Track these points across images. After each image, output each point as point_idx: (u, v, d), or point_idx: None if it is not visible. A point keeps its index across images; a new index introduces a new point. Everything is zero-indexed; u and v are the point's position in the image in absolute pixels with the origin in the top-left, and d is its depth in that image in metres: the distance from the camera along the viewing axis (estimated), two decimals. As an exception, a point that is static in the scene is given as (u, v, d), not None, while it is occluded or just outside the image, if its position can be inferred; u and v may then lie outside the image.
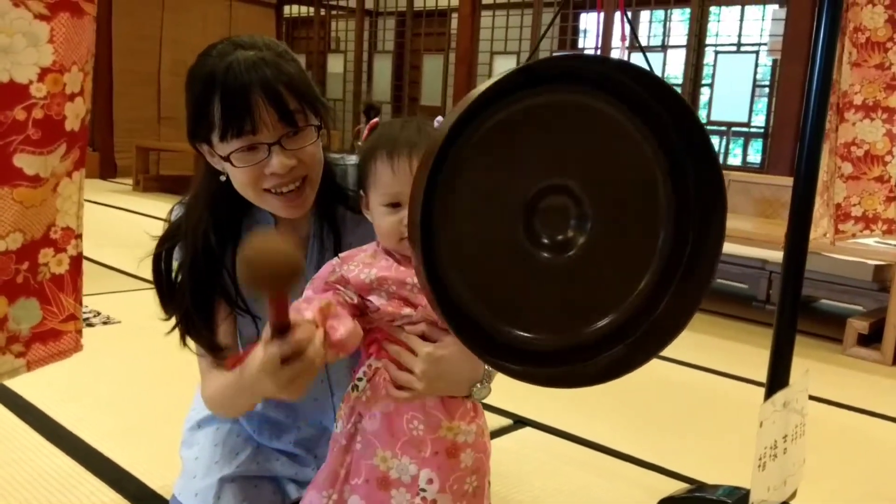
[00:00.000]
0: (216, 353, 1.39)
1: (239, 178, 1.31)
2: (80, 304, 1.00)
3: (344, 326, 1.15)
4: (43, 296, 0.93)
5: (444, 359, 1.23)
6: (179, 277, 1.41)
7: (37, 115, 0.85)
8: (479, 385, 1.27)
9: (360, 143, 1.36)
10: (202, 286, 1.39)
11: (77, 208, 0.95)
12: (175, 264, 1.43)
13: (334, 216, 1.46)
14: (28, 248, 0.90)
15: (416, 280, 1.17)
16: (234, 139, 1.26)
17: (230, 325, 1.44)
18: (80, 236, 0.97)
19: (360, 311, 1.24)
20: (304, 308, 1.13)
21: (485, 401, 1.31)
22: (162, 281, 1.42)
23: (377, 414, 1.26)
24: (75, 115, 0.90)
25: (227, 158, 1.28)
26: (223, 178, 1.36)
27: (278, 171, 1.29)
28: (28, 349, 0.95)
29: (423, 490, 1.24)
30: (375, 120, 1.33)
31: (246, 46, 1.29)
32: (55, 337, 0.97)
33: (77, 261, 0.97)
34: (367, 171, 1.24)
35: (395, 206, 1.21)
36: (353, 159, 1.52)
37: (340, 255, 1.28)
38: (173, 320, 1.44)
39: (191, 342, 1.44)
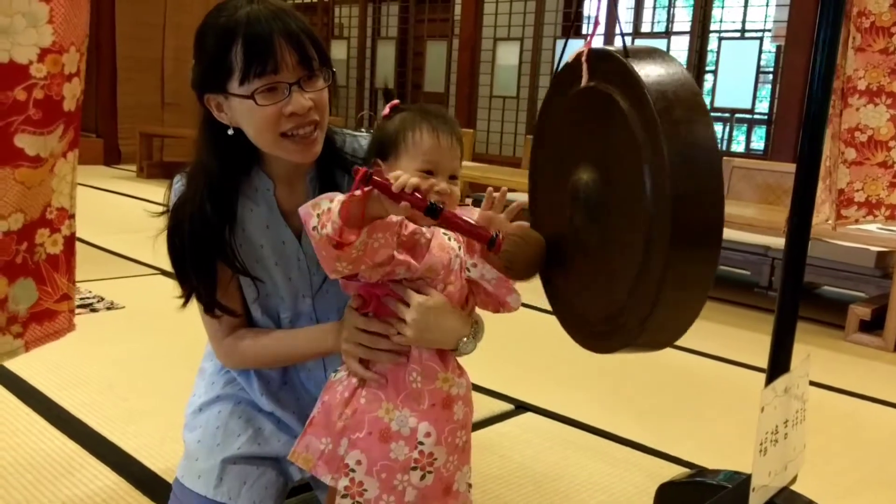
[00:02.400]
0: (225, 314, 1.47)
1: (258, 119, 1.35)
2: (74, 283, 1.00)
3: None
4: (39, 276, 0.93)
5: (433, 310, 1.30)
6: (176, 244, 1.45)
7: (37, 95, 0.85)
8: (465, 339, 1.34)
9: (378, 121, 1.43)
10: (202, 252, 1.43)
11: (70, 188, 0.95)
12: None
13: (333, 179, 1.51)
14: (27, 229, 0.90)
15: (420, 240, 1.30)
16: (256, 79, 1.32)
17: (234, 289, 1.51)
18: (73, 216, 0.97)
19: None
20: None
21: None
22: (178, 254, 1.44)
23: (381, 369, 1.33)
24: (72, 95, 0.89)
25: (250, 96, 1.33)
26: (231, 132, 1.40)
27: (297, 111, 1.35)
28: (26, 329, 0.95)
29: (422, 443, 1.29)
30: (396, 101, 1.43)
31: (258, 2, 1.36)
32: (50, 317, 0.97)
33: (70, 241, 0.97)
34: (402, 139, 1.35)
35: (429, 173, 1.32)
36: (350, 132, 1.59)
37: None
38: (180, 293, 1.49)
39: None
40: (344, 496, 1.30)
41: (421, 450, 1.29)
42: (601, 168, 1.10)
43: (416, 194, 1.15)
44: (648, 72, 0.97)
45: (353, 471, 1.29)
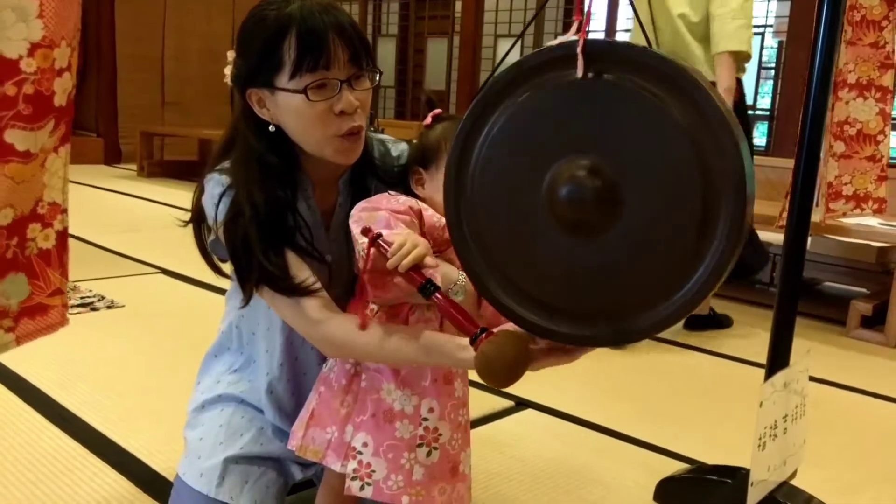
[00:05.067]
0: (301, 291, 1.35)
1: (308, 115, 1.33)
2: (66, 278, 1.00)
3: (439, 272, 1.25)
4: (31, 270, 0.93)
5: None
6: (238, 231, 1.36)
7: (27, 90, 0.85)
8: (454, 285, 1.34)
9: (424, 128, 1.43)
10: (272, 236, 1.37)
11: (63, 183, 0.96)
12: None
13: (364, 183, 1.50)
14: (18, 224, 0.90)
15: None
16: (308, 74, 1.30)
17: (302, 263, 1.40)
18: (65, 211, 0.97)
19: None
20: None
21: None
22: (242, 244, 1.36)
23: None
24: (63, 90, 0.90)
25: (301, 91, 1.31)
26: (272, 129, 1.38)
27: (346, 109, 1.33)
28: (17, 324, 0.95)
29: (426, 419, 1.33)
30: (438, 110, 1.46)
31: None
32: (42, 311, 0.97)
33: (63, 235, 0.97)
34: (441, 149, 1.37)
35: None
36: (373, 134, 1.55)
37: (390, 192, 1.39)
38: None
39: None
40: (353, 479, 1.32)
41: (426, 425, 1.33)
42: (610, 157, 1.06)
43: (413, 272, 1.17)
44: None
45: (360, 453, 1.32)
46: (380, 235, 1.19)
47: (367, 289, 1.27)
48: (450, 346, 1.24)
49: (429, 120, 1.45)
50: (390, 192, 1.40)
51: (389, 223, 1.27)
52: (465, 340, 1.23)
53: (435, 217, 1.35)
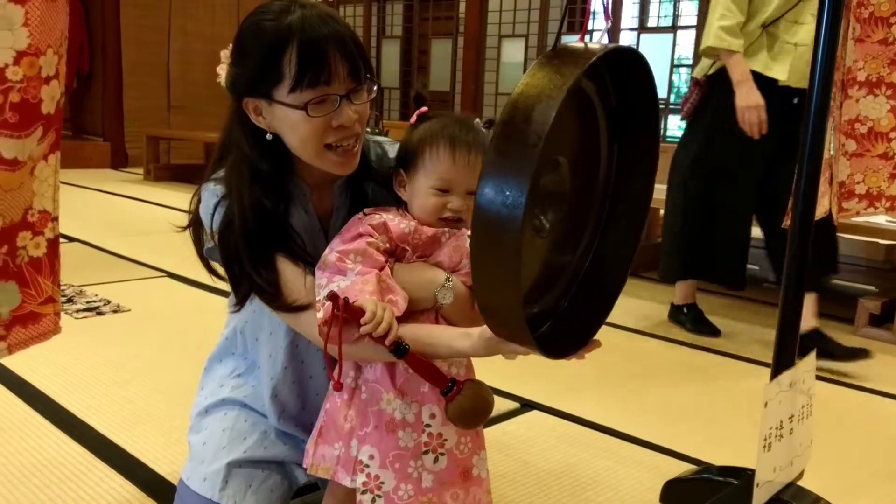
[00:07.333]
0: (294, 309, 1.35)
1: (305, 129, 1.33)
2: (59, 286, 1.00)
3: (400, 296, 1.27)
4: (22, 279, 0.93)
5: (402, 267, 1.34)
6: (230, 240, 1.37)
7: (13, 98, 0.84)
8: (441, 288, 1.33)
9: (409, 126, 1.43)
10: (262, 245, 1.36)
11: (53, 191, 0.96)
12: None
13: (361, 187, 1.49)
14: (7, 232, 0.90)
15: (441, 238, 1.34)
16: (308, 89, 1.29)
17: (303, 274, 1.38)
18: (56, 219, 0.97)
19: (392, 255, 1.34)
20: (365, 292, 1.22)
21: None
22: (233, 253, 1.37)
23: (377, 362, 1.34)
24: (51, 97, 0.89)
25: (302, 107, 1.30)
26: (269, 137, 1.37)
27: (345, 123, 1.33)
28: (8, 332, 0.95)
29: (428, 426, 1.31)
30: (424, 109, 1.42)
31: (306, 6, 1.33)
32: (34, 319, 0.97)
33: (54, 243, 0.97)
34: (421, 154, 1.35)
35: (444, 191, 1.33)
36: (371, 137, 1.55)
37: (365, 210, 1.38)
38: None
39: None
40: (364, 492, 1.31)
41: (429, 432, 1.31)
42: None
43: (386, 337, 1.18)
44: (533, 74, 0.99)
45: (367, 466, 1.31)
46: (347, 301, 1.17)
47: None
48: (449, 337, 1.27)
49: (413, 119, 1.42)
50: (365, 210, 1.38)
51: (338, 267, 1.26)
52: (463, 329, 1.27)
53: (402, 224, 1.33)
